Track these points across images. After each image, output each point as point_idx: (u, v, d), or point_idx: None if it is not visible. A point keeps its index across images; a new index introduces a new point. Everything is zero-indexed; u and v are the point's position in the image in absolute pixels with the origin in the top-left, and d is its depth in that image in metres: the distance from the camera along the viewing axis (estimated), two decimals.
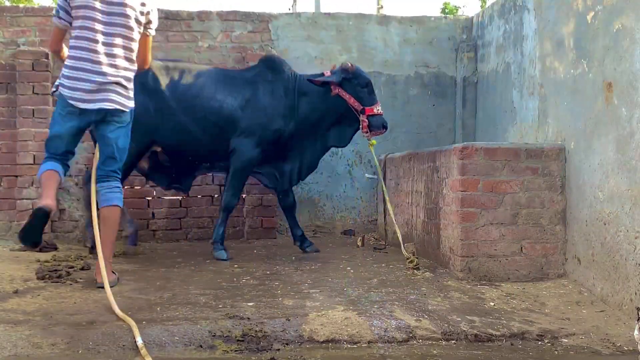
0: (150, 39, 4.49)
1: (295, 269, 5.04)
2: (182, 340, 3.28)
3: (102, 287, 3.91)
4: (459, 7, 20.09)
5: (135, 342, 3.22)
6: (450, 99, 7.39)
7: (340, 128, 5.85)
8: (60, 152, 4.23)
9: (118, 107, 4.23)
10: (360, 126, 5.68)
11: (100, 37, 4.17)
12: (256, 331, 3.38)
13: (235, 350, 3.23)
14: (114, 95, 4.20)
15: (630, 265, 3.80)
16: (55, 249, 5.86)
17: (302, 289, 4.26)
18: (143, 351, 3.12)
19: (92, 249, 5.19)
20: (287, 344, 3.34)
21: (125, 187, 6.65)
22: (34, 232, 3.92)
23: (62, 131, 4.20)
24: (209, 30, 6.97)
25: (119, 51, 4.22)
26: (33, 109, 6.50)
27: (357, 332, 3.47)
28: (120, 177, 4.38)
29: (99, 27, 4.17)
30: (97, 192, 4.25)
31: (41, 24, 6.70)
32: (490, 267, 4.60)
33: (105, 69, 4.16)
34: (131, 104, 4.33)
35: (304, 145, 5.85)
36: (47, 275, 4.52)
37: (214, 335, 3.34)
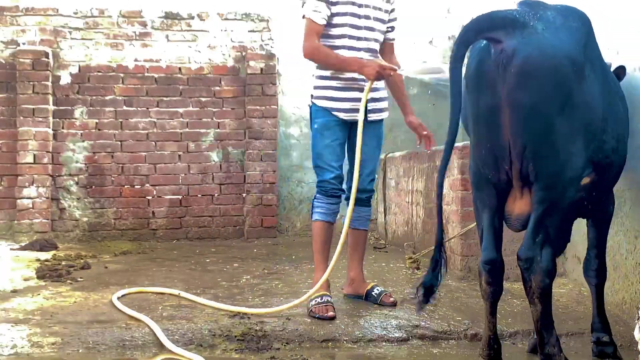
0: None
1: (295, 268, 5.04)
2: (182, 340, 3.28)
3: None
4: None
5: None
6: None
7: None
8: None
9: None
10: None
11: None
12: (256, 330, 3.38)
13: (235, 350, 3.24)
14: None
15: (629, 264, 3.79)
16: (56, 248, 5.87)
17: (302, 288, 4.26)
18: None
19: None
20: (287, 343, 3.34)
21: (125, 186, 6.69)
22: None
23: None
24: (209, 30, 6.97)
25: None
26: (33, 108, 6.50)
27: (357, 331, 3.47)
28: None
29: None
30: None
31: (41, 23, 6.70)
32: None
33: None
34: None
35: None
36: (47, 275, 4.53)
37: (214, 335, 3.34)
